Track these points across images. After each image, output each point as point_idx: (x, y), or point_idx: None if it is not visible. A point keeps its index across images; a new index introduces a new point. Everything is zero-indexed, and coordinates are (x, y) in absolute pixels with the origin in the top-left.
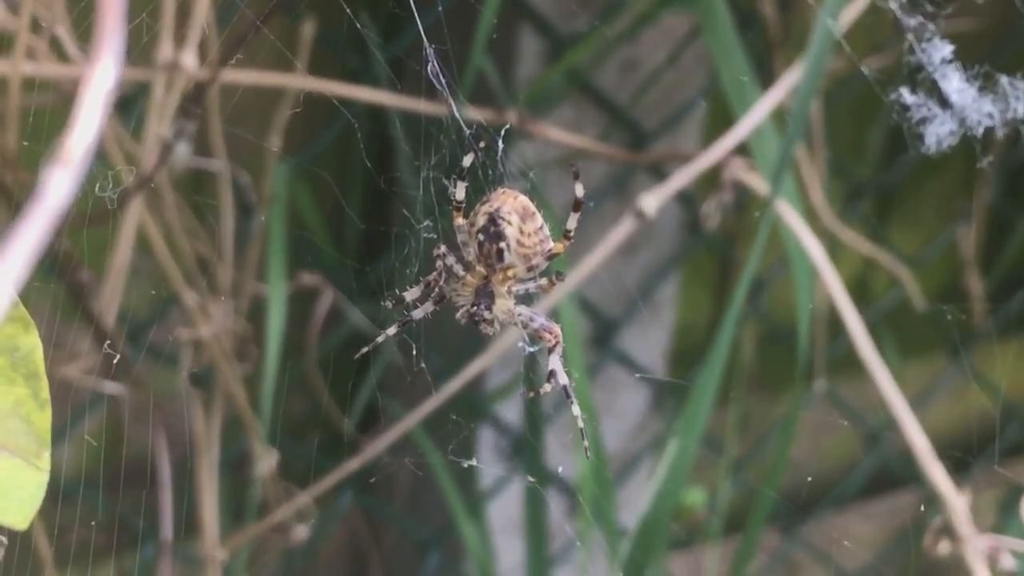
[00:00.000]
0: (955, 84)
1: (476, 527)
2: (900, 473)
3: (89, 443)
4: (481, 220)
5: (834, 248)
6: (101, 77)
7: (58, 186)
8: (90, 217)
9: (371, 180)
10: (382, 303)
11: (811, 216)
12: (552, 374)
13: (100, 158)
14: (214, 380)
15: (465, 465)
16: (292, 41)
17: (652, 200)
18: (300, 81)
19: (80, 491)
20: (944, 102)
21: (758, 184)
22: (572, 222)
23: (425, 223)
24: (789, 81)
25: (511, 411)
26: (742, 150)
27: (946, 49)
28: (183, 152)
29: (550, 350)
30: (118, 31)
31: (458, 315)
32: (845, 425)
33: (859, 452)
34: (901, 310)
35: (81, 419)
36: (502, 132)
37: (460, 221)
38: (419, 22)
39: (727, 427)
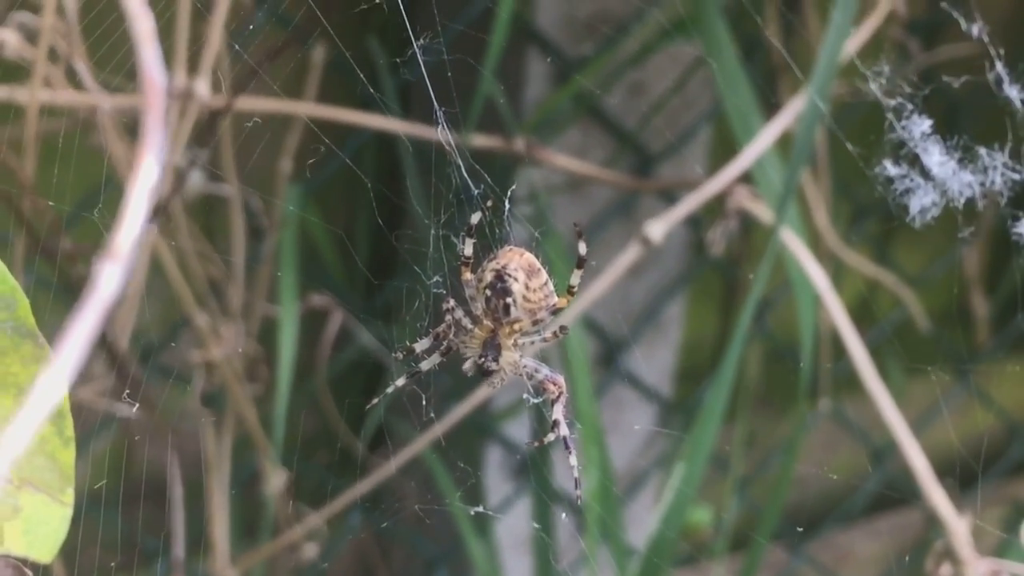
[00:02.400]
0: (936, 157)
1: (484, 545)
2: (906, 491)
3: (102, 464)
4: (488, 276)
5: (838, 269)
6: (145, 176)
7: (109, 280)
8: (102, 245)
9: (380, 204)
10: (392, 354)
11: (815, 239)
12: (556, 424)
13: (114, 184)
14: (225, 400)
15: (472, 512)
16: (303, 67)
17: (658, 227)
18: (310, 109)
19: (93, 510)
20: (926, 173)
21: (763, 212)
22: (575, 279)
23: (435, 279)
24: (793, 110)
25: (518, 430)
26: (747, 177)
27: (925, 124)
28: (196, 180)
29: (553, 401)
30: (159, 131)
31: (465, 366)
32: (851, 443)
33: (865, 469)
34: (906, 327)
35: (94, 439)
36: (508, 193)
37: (468, 276)
38: (423, 67)
39: (733, 445)
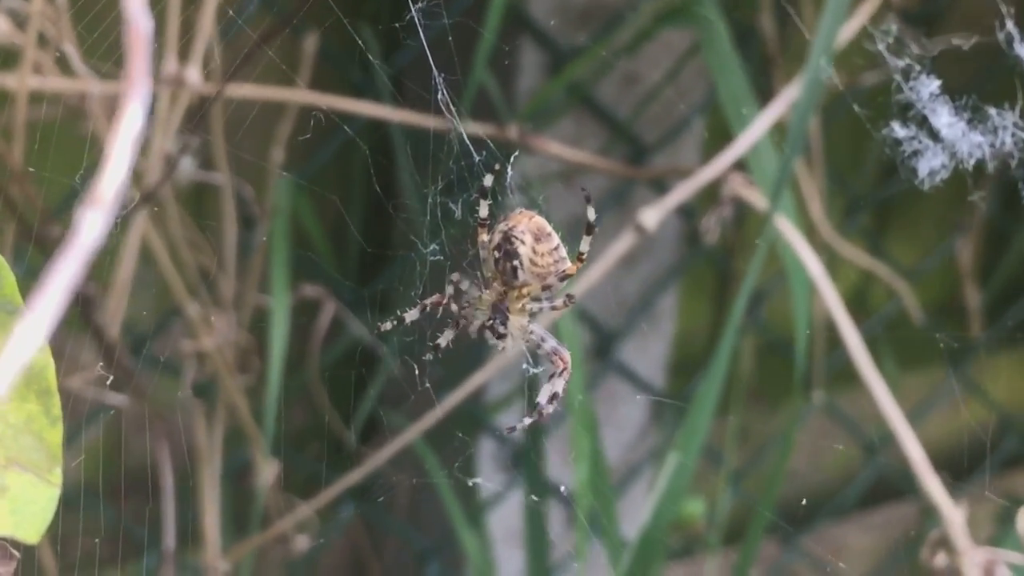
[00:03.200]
0: (945, 119)
1: (476, 537)
2: (899, 484)
3: (92, 454)
4: (497, 238)
5: (833, 261)
6: (129, 121)
7: (91, 226)
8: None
9: (373, 192)
10: (378, 324)
11: (810, 230)
12: (555, 397)
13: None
14: (216, 391)
15: (470, 483)
16: (295, 56)
17: (652, 215)
18: (302, 96)
19: (83, 500)
20: (935, 135)
21: (757, 199)
22: (584, 245)
23: (432, 247)
24: (787, 97)
25: (511, 422)
26: (741, 165)
27: (933, 84)
28: (187, 166)
29: (557, 375)
30: (145, 80)
31: (472, 328)
32: (844, 436)
33: (858, 463)
34: (900, 321)
35: (84, 430)
36: (511, 159)
37: (484, 238)
38: (425, 45)
39: (726, 438)
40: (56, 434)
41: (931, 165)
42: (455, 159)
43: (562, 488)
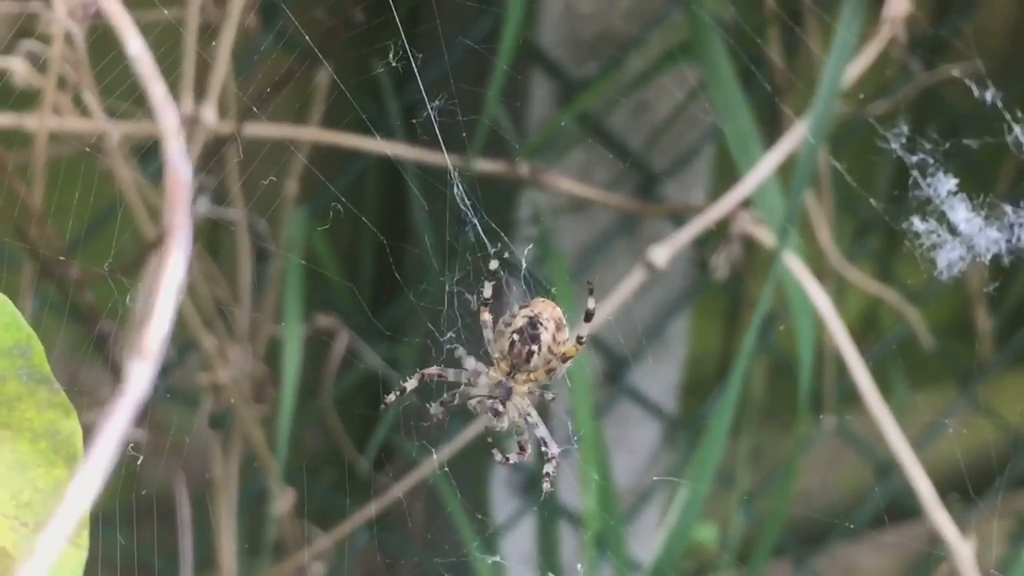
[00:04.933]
0: (962, 214)
1: (490, 561)
2: (911, 504)
3: (109, 484)
4: (520, 321)
5: (841, 286)
6: (172, 273)
7: (139, 378)
8: (114, 268)
9: (385, 224)
10: (384, 398)
11: (818, 257)
12: (546, 476)
13: (122, 210)
14: (232, 421)
15: (490, 562)
16: (308, 89)
17: (662, 252)
18: (315, 134)
19: (101, 531)
20: (953, 230)
21: (766, 237)
22: (585, 330)
23: (449, 334)
24: (795, 135)
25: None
26: (750, 202)
27: (951, 182)
28: (203, 205)
29: (547, 460)
30: (187, 228)
31: (472, 403)
32: (856, 457)
33: (870, 483)
34: (911, 341)
35: None
36: (525, 252)
37: (486, 317)
38: (428, 103)
39: (737, 460)
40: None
41: (949, 258)
42: (471, 251)
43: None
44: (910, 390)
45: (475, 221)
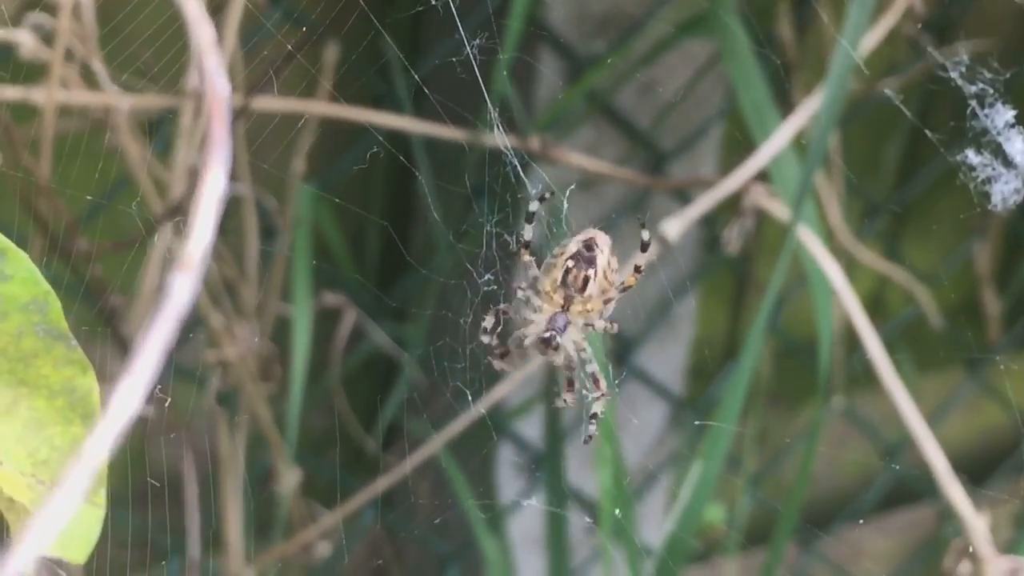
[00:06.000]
0: (1019, 146)
1: (497, 542)
2: (917, 487)
3: (117, 462)
4: (574, 247)
5: (851, 266)
6: (213, 186)
7: (181, 289)
8: (121, 243)
9: (392, 202)
10: (481, 338)
11: (829, 236)
12: (594, 416)
13: (129, 185)
14: (239, 399)
15: (496, 543)
16: (316, 66)
17: (674, 226)
18: (324, 108)
19: (109, 509)
20: (1008, 162)
21: (779, 210)
22: (642, 259)
23: (487, 276)
24: (809, 108)
25: (531, 428)
26: (762, 175)
27: (1009, 114)
28: None
29: (596, 399)
30: (225, 140)
31: (526, 341)
32: (862, 440)
33: (877, 466)
34: (918, 325)
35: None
36: (567, 192)
37: (527, 258)
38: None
39: (745, 442)
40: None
41: (1003, 190)
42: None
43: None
44: (917, 374)
45: (515, 162)
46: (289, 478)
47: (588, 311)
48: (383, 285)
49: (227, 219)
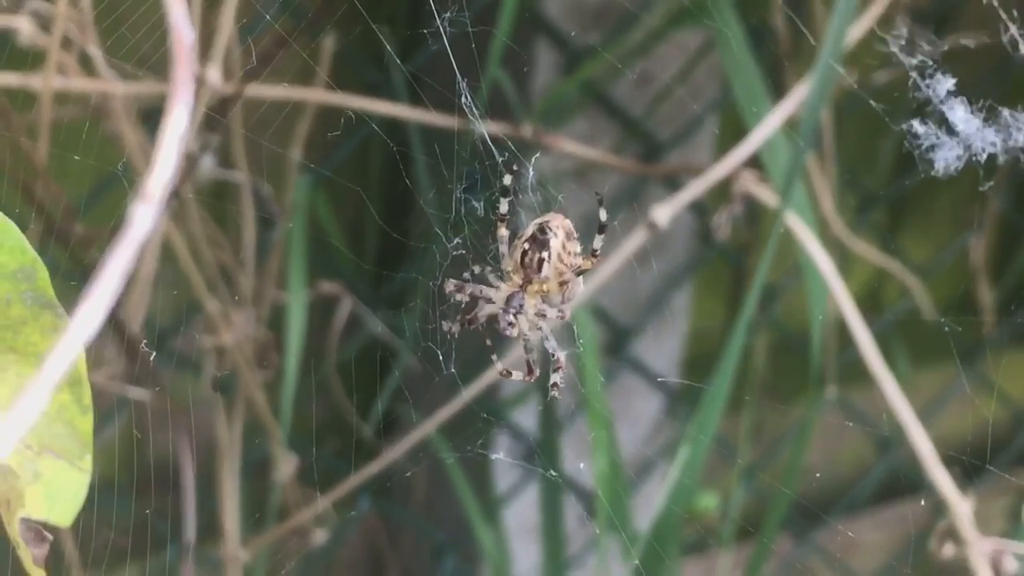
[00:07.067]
0: (960, 114)
1: (492, 531)
2: (912, 480)
3: (113, 448)
4: (530, 230)
5: (845, 258)
6: (175, 122)
7: (142, 220)
8: (118, 228)
9: (389, 190)
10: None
11: (822, 226)
12: (554, 386)
13: (126, 169)
14: (236, 386)
15: (492, 457)
16: (312, 57)
17: (664, 211)
18: (320, 95)
19: (105, 495)
20: (951, 130)
21: (768, 196)
22: (598, 242)
23: (456, 240)
24: (800, 94)
25: (527, 417)
26: (754, 163)
27: (949, 82)
28: (208, 164)
29: (554, 371)
30: (189, 83)
31: (482, 313)
32: (856, 432)
33: (870, 458)
34: (913, 318)
35: (106, 424)
36: (532, 160)
37: (503, 232)
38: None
39: (740, 434)
40: (87, 422)
41: (947, 157)
42: (478, 159)
43: (580, 465)
44: (912, 367)
45: (483, 131)
46: (285, 465)
47: (545, 291)
48: (381, 274)
49: (224, 206)
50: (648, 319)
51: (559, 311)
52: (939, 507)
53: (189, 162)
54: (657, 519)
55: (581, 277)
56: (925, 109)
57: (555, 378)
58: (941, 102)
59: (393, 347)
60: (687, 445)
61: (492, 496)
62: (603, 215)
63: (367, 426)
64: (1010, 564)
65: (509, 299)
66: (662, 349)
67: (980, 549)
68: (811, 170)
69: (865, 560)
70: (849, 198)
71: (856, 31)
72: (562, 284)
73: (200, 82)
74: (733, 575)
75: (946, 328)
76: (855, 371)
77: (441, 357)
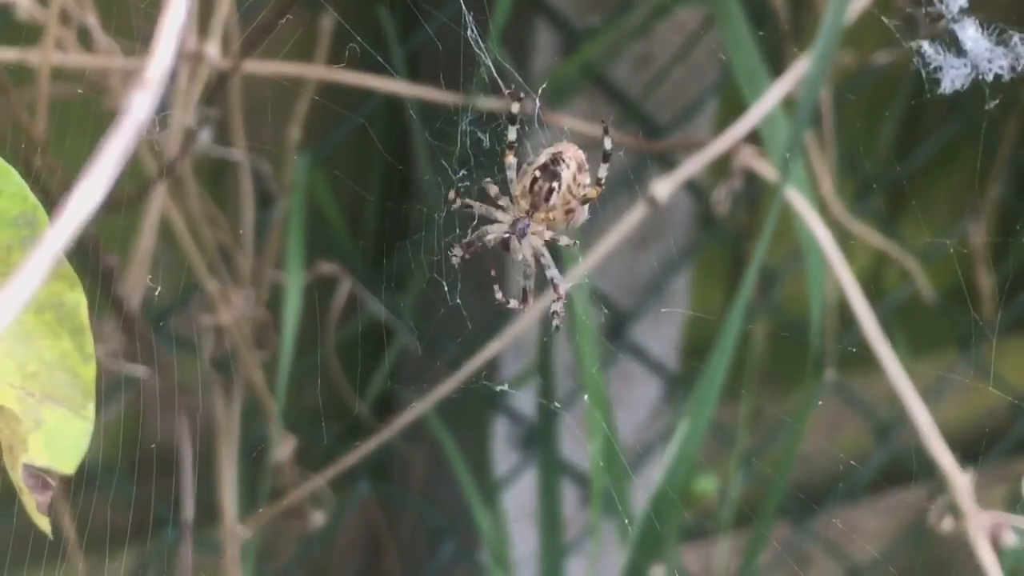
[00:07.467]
0: (970, 32)
1: (491, 515)
2: (911, 467)
3: (112, 427)
4: (542, 159)
5: (845, 241)
6: (175, 12)
7: (140, 105)
8: (115, 204)
9: (389, 169)
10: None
11: (822, 208)
12: (555, 315)
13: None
14: (234, 366)
15: (497, 389)
16: (311, 35)
17: (664, 186)
18: (319, 72)
19: (105, 475)
20: (960, 52)
21: (768, 171)
22: (603, 171)
23: (461, 172)
24: (800, 69)
25: (525, 403)
26: (753, 139)
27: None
28: (206, 138)
29: (553, 302)
30: None
31: (488, 236)
32: (856, 419)
33: (870, 446)
34: (912, 306)
35: (107, 404)
36: (539, 91)
37: (511, 160)
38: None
39: (739, 420)
40: (89, 371)
41: (953, 76)
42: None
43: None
44: (911, 355)
45: (488, 62)
46: (282, 446)
47: (551, 219)
48: (380, 254)
49: (223, 185)
50: (647, 304)
51: (569, 240)
52: (939, 493)
53: (187, 138)
54: (655, 494)
55: (586, 206)
56: (935, 27)
57: (556, 307)
58: (953, 19)
59: (391, 327)
60: (685, 423)
61: (491, 480)
62: (607, 144)
63: (364, 406)
64: (1009, 537)
65: (515, 223)
66: (661, 334)
67: (979, 522)
68: (811, 152)
69: (864, 546)
70: (849, 183)
71: (858, 4)
72: (568, 212)
73: (198, 57)
74: (732, 561)
75: (949, 317)
76: (854, 358)
77: (447, 288)
